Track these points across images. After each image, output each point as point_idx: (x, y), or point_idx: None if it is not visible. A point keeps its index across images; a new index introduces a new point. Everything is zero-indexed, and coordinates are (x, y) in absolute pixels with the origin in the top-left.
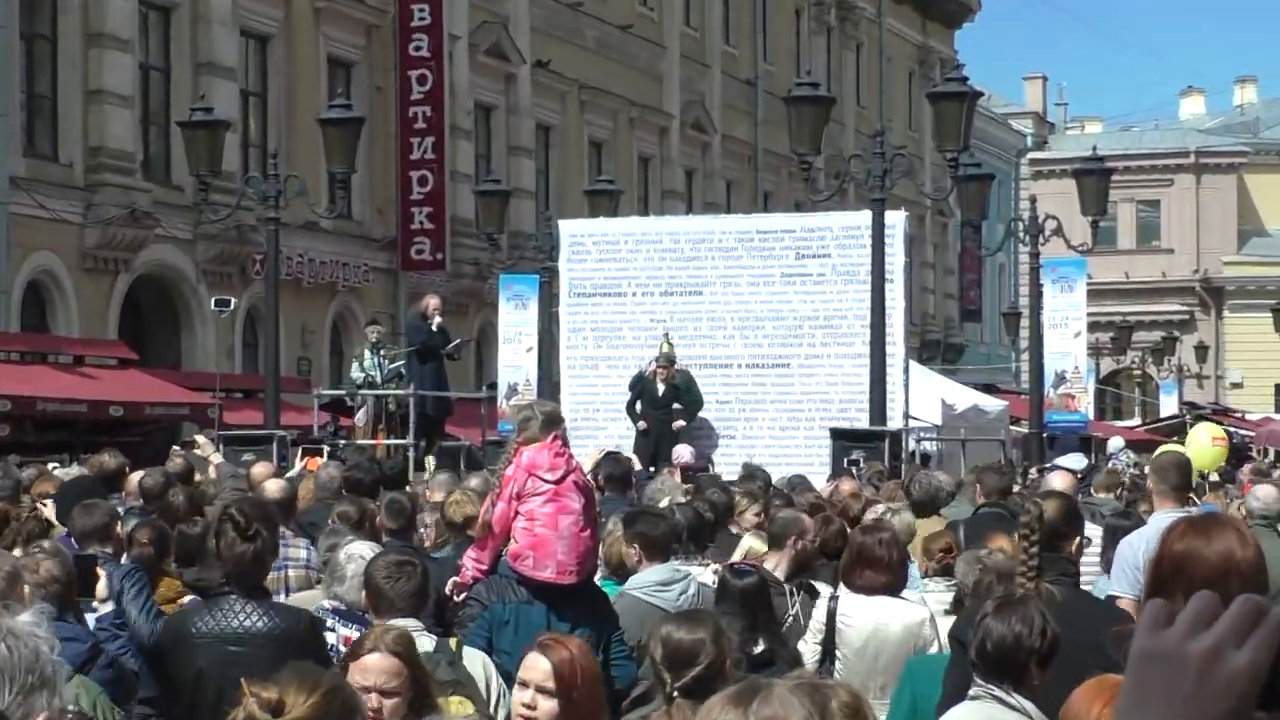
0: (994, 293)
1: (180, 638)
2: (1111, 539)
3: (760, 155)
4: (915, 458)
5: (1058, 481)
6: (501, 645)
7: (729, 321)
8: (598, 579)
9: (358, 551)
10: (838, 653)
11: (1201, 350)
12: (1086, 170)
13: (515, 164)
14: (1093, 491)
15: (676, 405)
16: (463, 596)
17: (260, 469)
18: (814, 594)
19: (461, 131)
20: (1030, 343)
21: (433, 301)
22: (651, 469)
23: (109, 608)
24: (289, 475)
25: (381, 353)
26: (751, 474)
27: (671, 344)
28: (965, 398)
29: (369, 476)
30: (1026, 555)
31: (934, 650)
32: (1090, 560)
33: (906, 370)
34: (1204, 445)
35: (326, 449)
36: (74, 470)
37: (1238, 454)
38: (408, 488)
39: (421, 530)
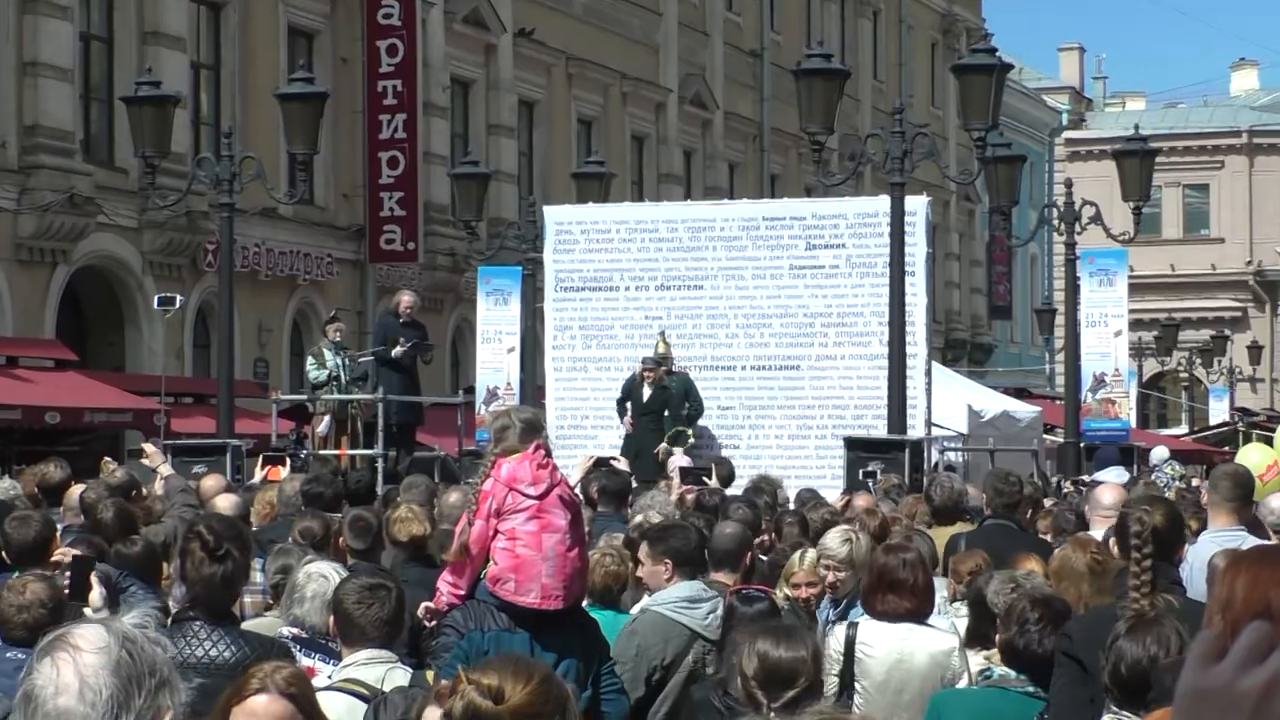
0: (1025, 287)
1: None
2: None
3: (767, 135)
4: (938, 469)
5: (1108, 496)
6: None
7: (732, 319)
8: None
9: (319, 570)
10: (857, 685)
11: (1255, 351)
12: (1128, 151)
13: (495, 144)
14: None
15: (679, 411)
16: (435, 624)
17: (211, 482)
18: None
19: (436, 108)
20: (1066, 343)
21: (406, 298)
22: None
23: (105, 616)
24: (250, 483)
25: (344, 353)
26: (759, 487)
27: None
28: (994, 403)
29: (330, 490)
30: (1140, 569)
31: (963, 683)
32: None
33: (929, 373)
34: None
35: (289, 460)
36: (5, 484)
37: None
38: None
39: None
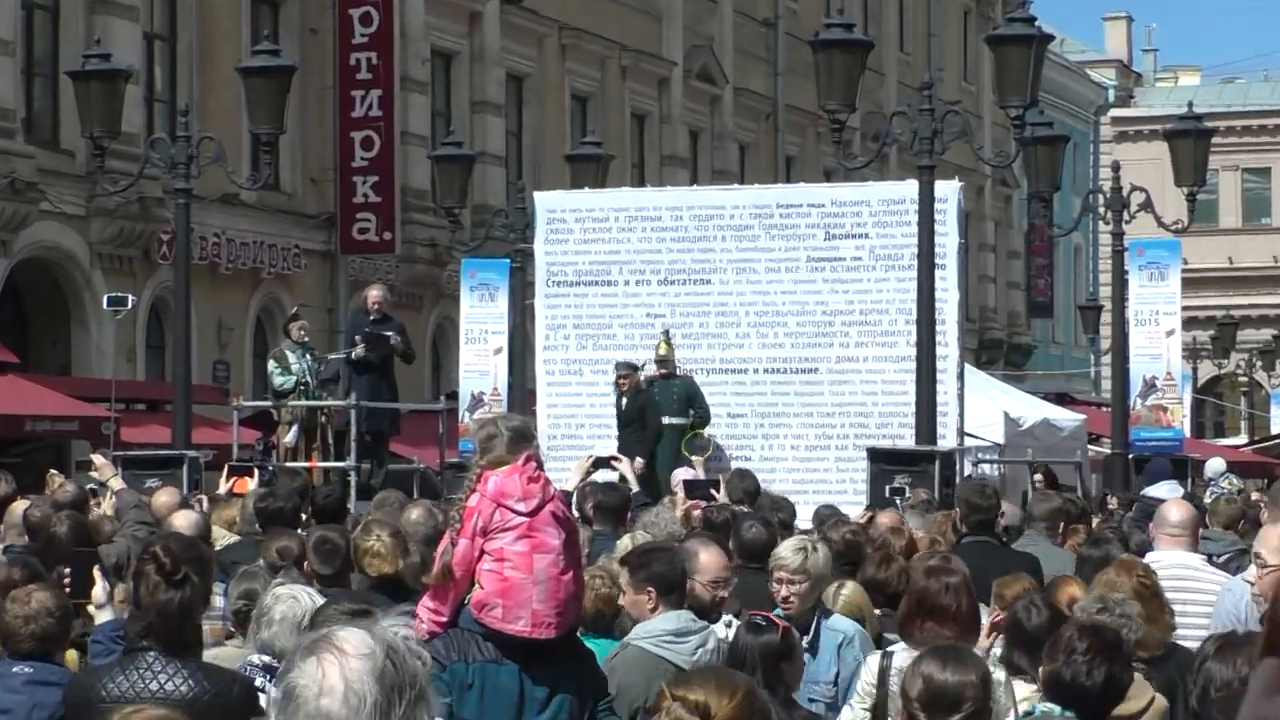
0: (1068, 282)
1: (86, 702)
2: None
3: (781, 112)
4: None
5: (1175, 513)
6: (465, 713)
7: (743, 317)
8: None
9: (288, 591)
10: None
11: None
12: (1181, 131)
13: (481, 123)
14: (1208, 523)
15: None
16: None
17: (165, 497)
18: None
19: (414, 84)
20: (1113, 343)
21: (374, 292)
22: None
23: (107, 614)
24: (216, 493)
25: (310, 355)
26: (776, 506)
27: (671, 344)
28: (1033, 411)
29: (289, 504)
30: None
31: None
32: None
33: (961, 377)
34: None
35: (258, 471)
36: None
37: None
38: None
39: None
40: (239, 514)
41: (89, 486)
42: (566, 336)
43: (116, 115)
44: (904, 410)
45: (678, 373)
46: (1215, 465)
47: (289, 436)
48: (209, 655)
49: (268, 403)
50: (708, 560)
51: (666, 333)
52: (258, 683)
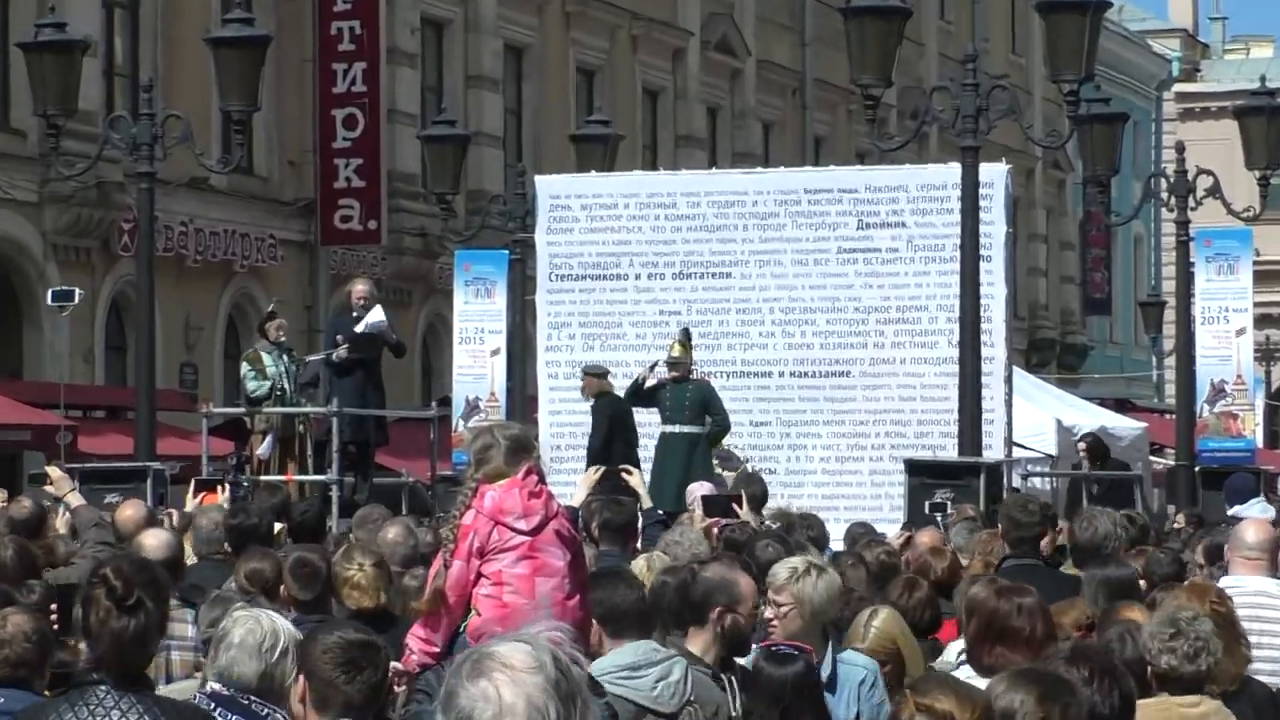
0: (1128, 275)
1: None
2: None
3: (809, 88)
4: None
5: (1252, 534)
6: None
7: (767, 314)
8: None
9: (249, 614)
10: None
11: None
12: (1252, 108)
13: (476, 100)
14: None
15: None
16: (404, 689)
17: (131, 511)
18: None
19: (403, 55)
20: (1177, 343)
21: (359, 287)
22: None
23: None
24: (186, 510)
25: (288, 357)
26: (795, 523)
27: (688, 345)
28: (1089, 418)
29: (265, 522)
30: None
31: None
32: None
33: (1009, 380)
34: None
35: (229, 486)
36: None
37: None
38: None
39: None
40: (192, 533)
41: (45, 503)
42: (571, 336)
43: (73, 91)
44: (945, 418)
45: (693, 376)
46: None
47: (262, 448)
48: (179, 689)
49: (240, 410)
50: (749, 588)
51: (686, 332)
52: (216, 715)
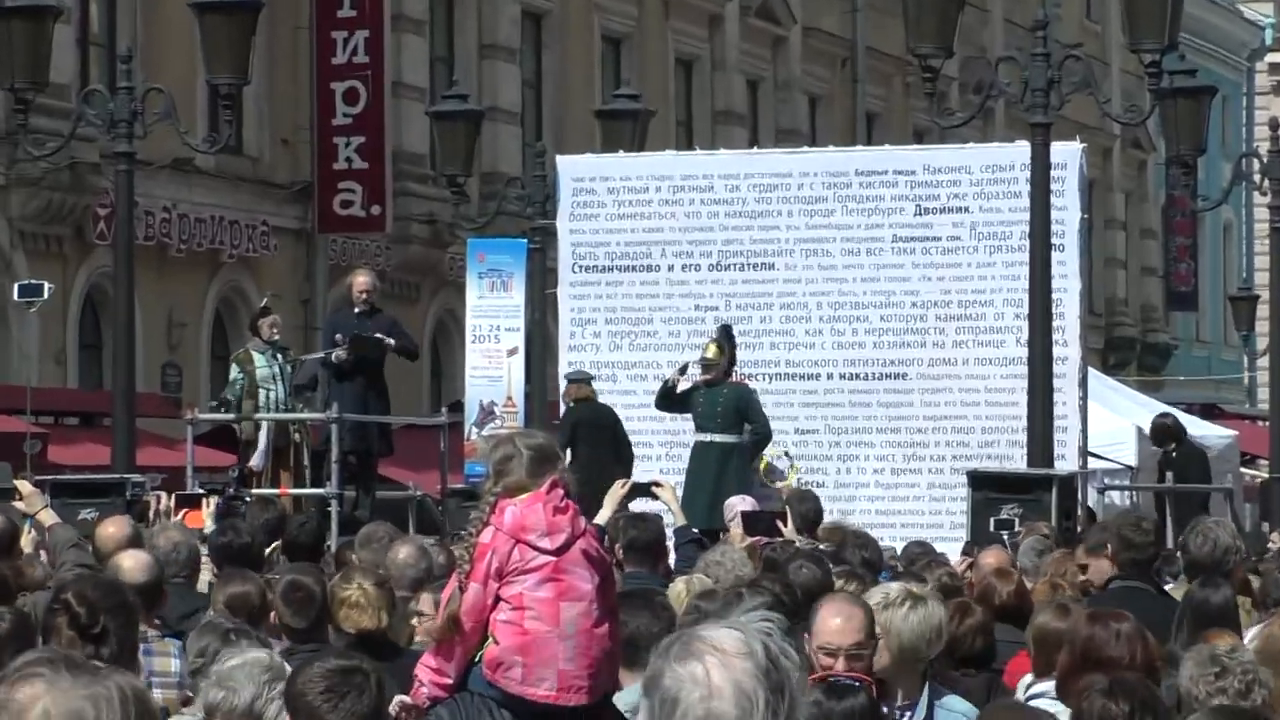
0: (1216, 266)
1: None
2: None
3: (861, 58)
4: (1096, 516)
5: None
6: None
7: (814, 310)
8: None
9: (243, 647)
10: None
11: None
12: None
13: (491, 72)
14: None
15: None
16: None
17: (113, 529)
18: None
19: (409, 22)
20: (1271, 342)
21: (361, 279)
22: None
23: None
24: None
25: (283, 357)
26: (848, 541)
27: (725, 346)
28: None
29: (257, 540)
30: None
31: None
32: None
33: (1084, 384)
34: None
35: (215, 502)
36: None
37: None
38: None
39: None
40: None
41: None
42: (597, 334)
43: (43, 62)
44: (1013, 425)
45: (728, 380)
46: None
47: (255, 459)
48: None
49: (229, 416)
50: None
51: (727, 330)
52: None
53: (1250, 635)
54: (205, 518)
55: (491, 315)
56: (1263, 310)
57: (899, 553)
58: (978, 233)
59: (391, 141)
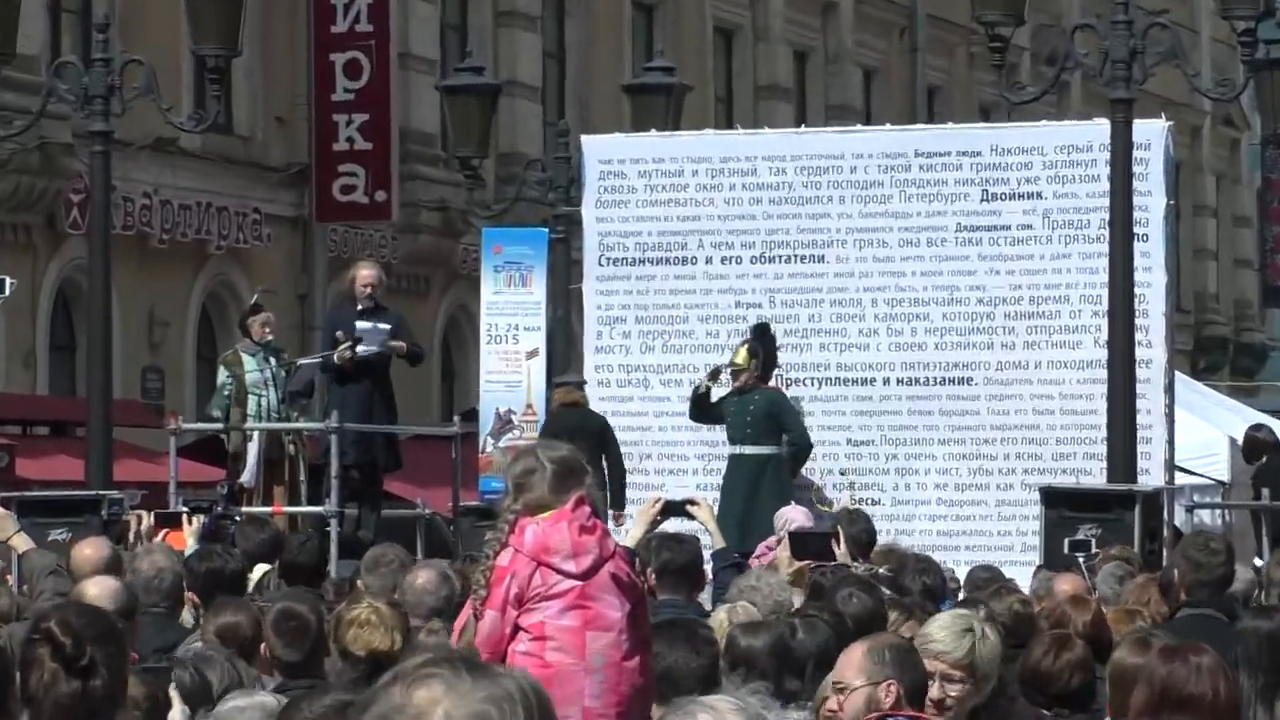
0: None
1: None
2: None
3: (921, 26)
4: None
5: None
6: None
7: (869, 307)
8: None
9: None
10: None
11: None
12: None
13: (509, 41)
14: None
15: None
16: None
17: (90, 551)
18: None
19: None
20: None
21: (364, 272)
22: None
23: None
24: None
25: (277, 360)
26: (907, 564)
27: (760, 350)
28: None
29: (233, 565)
30: None
31: None
32: None
33: (1171, 389)
34: None
35: (201, 522)
36: None
37: None
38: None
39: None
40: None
41: None
42: (626, 334)
43: (10, 32)
44: (1090, 435)
45: (761, 385)
46: None
47: (245, 474)
48: None
49: (217, 425)
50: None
51: (761, 329)
52: None
53: None
54: (187, 537)
55: (509, 313)
56: None
57: (963, 578)
58: (1051, 221)
59: (398, 119)
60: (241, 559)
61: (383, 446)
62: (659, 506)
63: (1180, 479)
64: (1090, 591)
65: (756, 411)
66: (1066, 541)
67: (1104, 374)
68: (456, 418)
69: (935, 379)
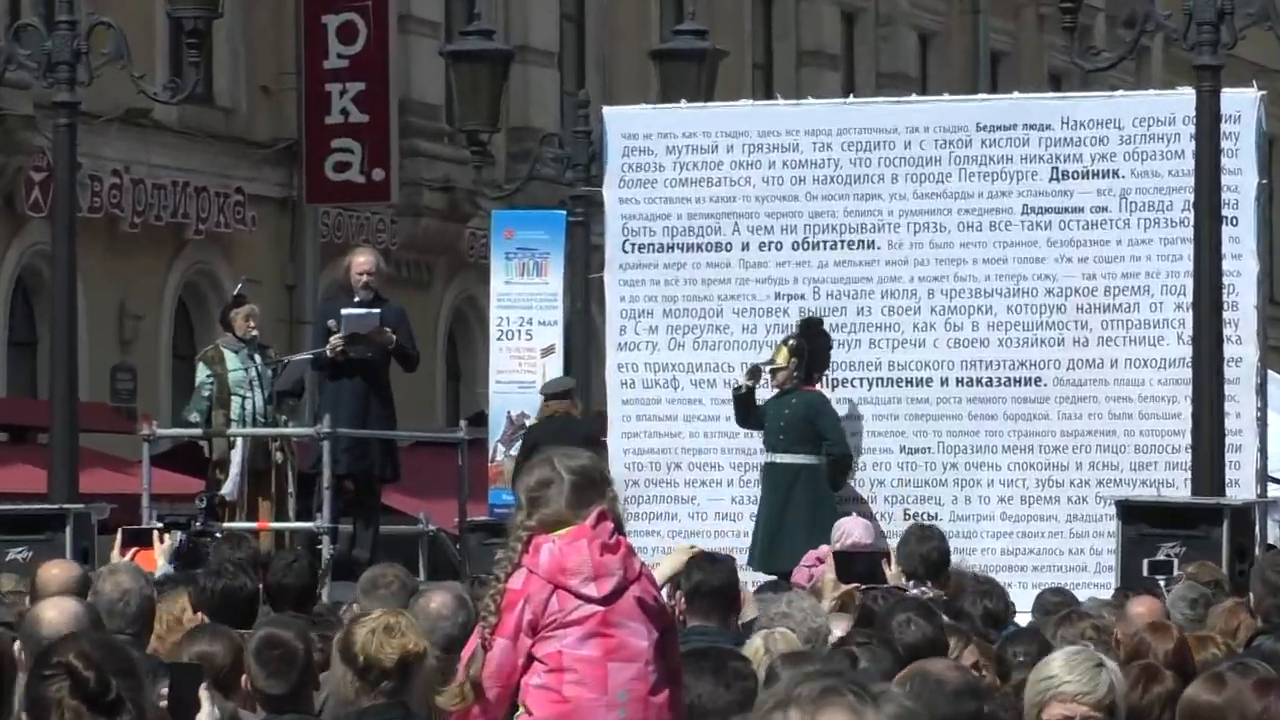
0: None
1: None
2: None
3: None
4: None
5: None
6: None
7: (925, 299)
8: None
9: None
10: None
11: None
12: None
13: (522, 3)
14: None
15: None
16: None
17: (58, 571)
18: None
19: None
20: None
21: (361, 259)
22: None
23: None
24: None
25: (262, 357)
26: (968, 587)
27: (803, 344)
28: None
29: (254, 586)
30: None
31: None
32: None
33: (1263, 391)
34: None
35: (179, 539)
36: None
37: None
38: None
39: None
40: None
41: None
42: (653, 329)
43: None
44: (1173, 442)
45: (800, 387)
46: None
47: (227, 485)
48: None
49: (196, 431)
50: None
51: (809, 325)
52: None
53: None
54: (158, 557)
55: (522, 305)
56: None
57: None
58: (1129, 202)
59: (398, 89)
60: (217, 580)
61: (380, 454)
62: (697, 555)
63: (1273, 491)
64: (1169, 616)
65: (792, 416)
66: (1146, 562)
67: (1188, 374)
68: (463, 422)
69: (999, 379)
